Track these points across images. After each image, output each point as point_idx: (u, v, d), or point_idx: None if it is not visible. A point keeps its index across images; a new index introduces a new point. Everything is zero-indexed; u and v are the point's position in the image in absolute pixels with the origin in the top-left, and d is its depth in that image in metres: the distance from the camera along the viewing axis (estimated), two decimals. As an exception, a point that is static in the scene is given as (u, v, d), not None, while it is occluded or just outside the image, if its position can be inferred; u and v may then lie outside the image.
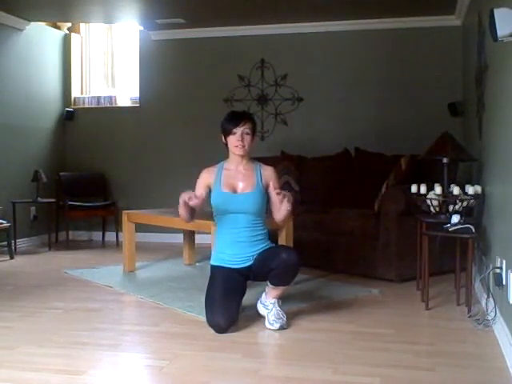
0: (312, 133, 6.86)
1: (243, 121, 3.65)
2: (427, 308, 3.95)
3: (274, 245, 3.82)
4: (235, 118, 3.68)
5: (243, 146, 3.64)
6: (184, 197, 3.41)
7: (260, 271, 3.61)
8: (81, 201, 6.90)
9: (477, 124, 4.70)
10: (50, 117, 7.37)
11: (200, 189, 3.67)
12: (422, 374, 2.80)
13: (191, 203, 3.41)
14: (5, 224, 5.97)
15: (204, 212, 3.97)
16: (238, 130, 3.62)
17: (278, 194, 3.49)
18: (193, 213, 3.62)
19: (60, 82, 7.50)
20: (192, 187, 3.71)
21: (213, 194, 3.68)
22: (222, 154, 3.86)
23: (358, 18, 6.57)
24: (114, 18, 7.01)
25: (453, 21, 6.41)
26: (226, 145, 3.72)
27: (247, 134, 3.65)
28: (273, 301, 3.61)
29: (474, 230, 3.80)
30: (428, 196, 4.16)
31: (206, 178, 3.72)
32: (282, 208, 3.52)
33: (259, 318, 3.67)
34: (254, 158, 3.87)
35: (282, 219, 3.67)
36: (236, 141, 3.63)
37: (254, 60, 7.10)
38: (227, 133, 3.66)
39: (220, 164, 3.77)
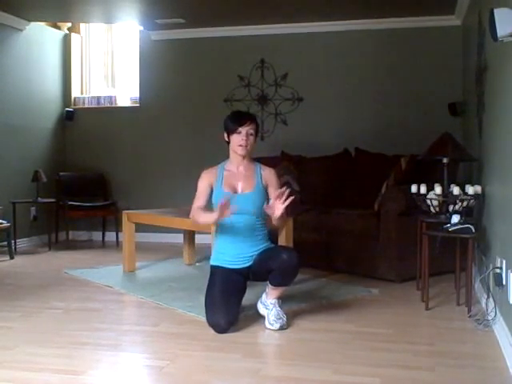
0: (312, 133, 6.86)
1: (249, 121, 3.66)
2: (427, 308, 3.95)
3: (273, 245, 3.82)
4: (241, 118, 3.69)
5: (246, 146, 3.64)
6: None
7: (260, 271, 3.61)
8: (81, 201, 6.90)
9: (477, 124, 4.70)
10: (50, 117, 7.36)
11: (203, 191, 3.70)
12: (422, 373, 2.80)
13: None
14: (5, 224, 5.97)
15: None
16: (244, 130, 3.63)
17: (277, 196, 3.46)
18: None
19: (60, 82, 7.49)
20: (192, 187, 3.71)
21: (214, 194, 3.69)
22: (222, 154, 3.86)
23: (357, 18, 6.57)
24: (114, 18, 7.01)
25: (453, 21, 6.41)
26: (228, 143, 3.72)
27: (251, 134, 3.65)
28: (273, 301, 3.61)
29: (473, 230, 3.79)
30: (428, 196, 4.16)
31: (207, 179, 3.72)
32: (276, 210, 3.45)
33: (259, 317, 3.67)
34: (254, 158, 3.88)
35: (277, 223, 3.67)
36: (240, 140, 3.63)
37: (254, 60, 7.09)
38: (232, 131, 3.66)
39: (221, 164, 3.77)
